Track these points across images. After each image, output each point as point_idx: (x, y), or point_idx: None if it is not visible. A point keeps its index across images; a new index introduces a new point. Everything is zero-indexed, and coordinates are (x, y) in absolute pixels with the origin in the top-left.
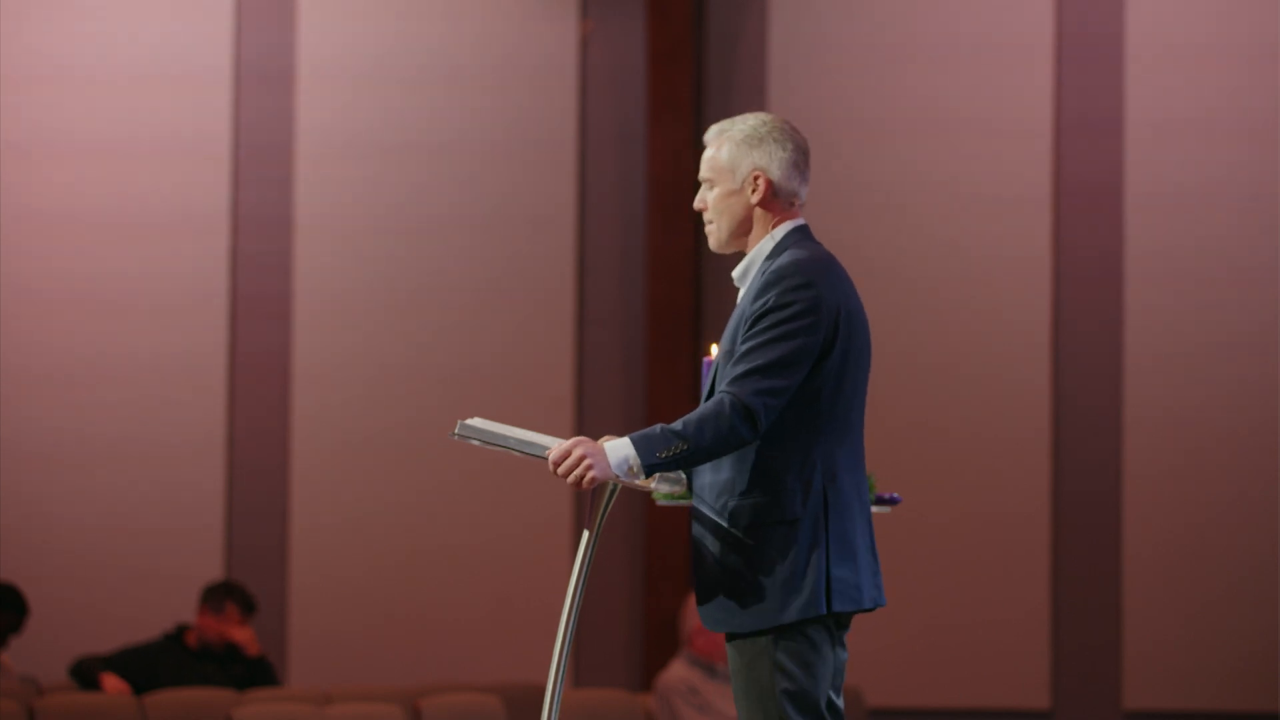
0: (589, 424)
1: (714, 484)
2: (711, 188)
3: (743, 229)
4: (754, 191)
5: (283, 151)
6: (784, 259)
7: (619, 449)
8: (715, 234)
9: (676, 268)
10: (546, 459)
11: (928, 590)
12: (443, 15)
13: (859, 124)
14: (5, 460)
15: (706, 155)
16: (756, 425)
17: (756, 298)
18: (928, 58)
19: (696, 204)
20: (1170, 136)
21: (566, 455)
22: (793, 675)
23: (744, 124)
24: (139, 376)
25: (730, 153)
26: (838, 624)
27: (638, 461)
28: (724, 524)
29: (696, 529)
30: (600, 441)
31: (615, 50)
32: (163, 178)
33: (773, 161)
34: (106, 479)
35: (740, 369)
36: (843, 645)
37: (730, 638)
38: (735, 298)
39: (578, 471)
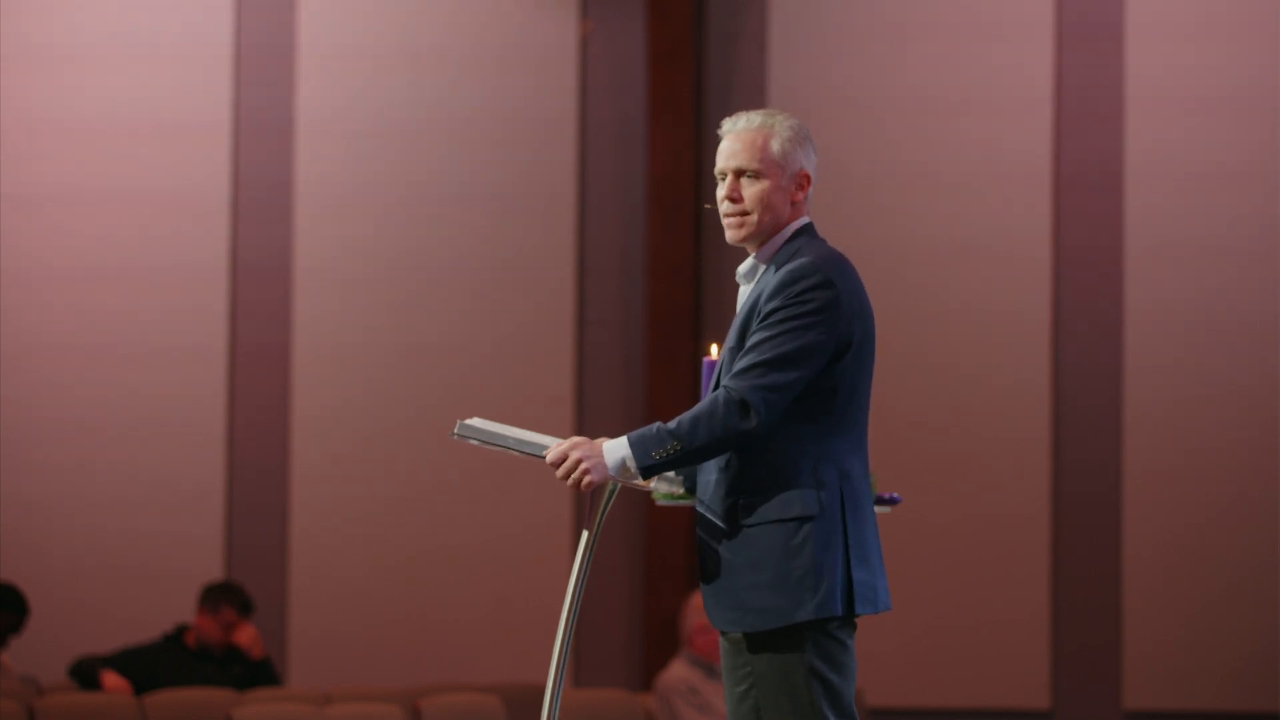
0: (589, 424)
1: (721, 481)
2: (757, 179)
3: (777, 226)
4: (799, 189)
5: (283, 152)
6: (801, 258)
7: (616, 450)
8: (751, 226)
9: (676, 268)
10: (545, 459)
11: (928, 590)
12: (442, 16)
13: (859, 124)
14: (6, 461)
15: (748, 146)
16: (753, 419)
17: (773, 295)
18: (928, 57)
19: (730, 193)
20: (1172, 131)
21: (564, 458)
22: (828, 679)
23: (787, 121)
24: (139, 376)
25: (782, 148)
26: (855, 624)
27: (634, 463)
28: (734, 521)
29: (705, 523)
30: (598, 442)
31: (615, 50)
32: (163, 154)
33: (810, 164)
34: (106, 479)
35: (743, 363)
36: None
37: (755, 646)
38: (735, 297)
39: (575, 475)
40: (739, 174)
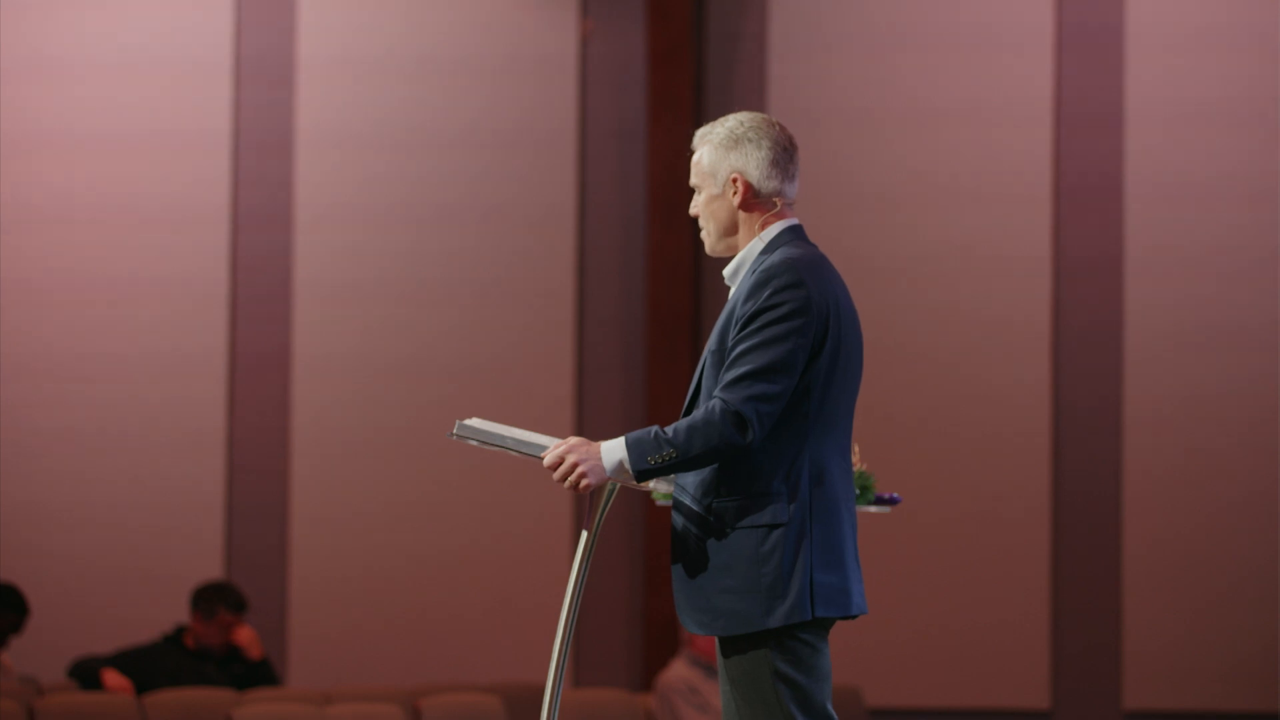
0: (589, 424)
1: (699, 482)
2: (699, 193)
3: (729, 232)
4: (735, 194)
5: (283, 151)
6: (775, 258)
7: (613, 451)
8: (707, 238)
9: (676, 268)
10: (543, 460)
11: (928, 590)
12: (442, 15)
13: (859, 124)
14: (5, 460)
15: (693, 161)
16: (750, 432)
17: (748, 298)
18: (927, 56)
19: (691, 210)
20: (1171, 135)
21: (560, 461)
22: (795, 681)
23: (723, 126)
24: (139, 376)
25: (709, 157)
26: (825, 626)
27: (630, 466)
28: (709, 522)
29: (679, 524)
30: (596, 443)
31: (615, 50)
32: (163, 170)
33: (749, 162)
34: (106, 479)
35: (733, 374)
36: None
37: (725, 649)
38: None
39: (572, 478)
40: (694, 189)
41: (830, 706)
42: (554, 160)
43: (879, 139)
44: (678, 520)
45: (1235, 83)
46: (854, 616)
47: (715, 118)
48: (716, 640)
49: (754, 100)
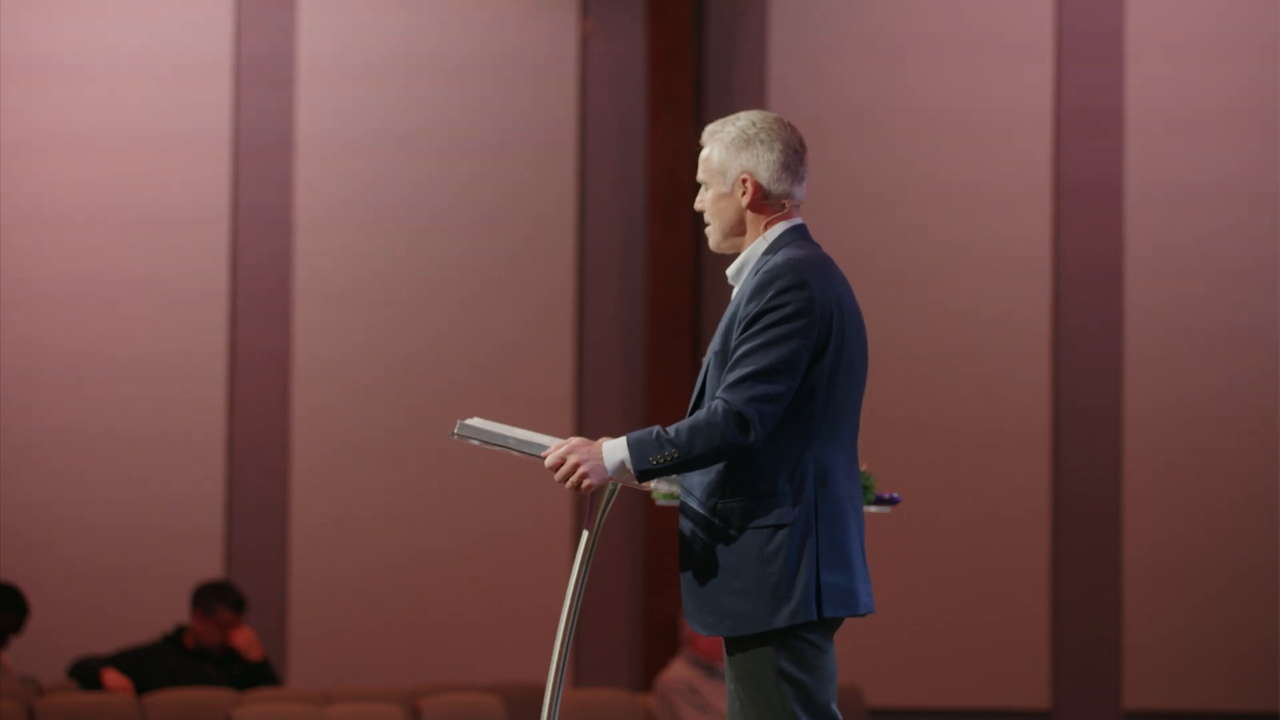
0: (589, 424)
1: (704, 483)
2: (707, 189)
3: (736, 231)
4: (743, 194)
5: (283, 151)
6: (778, 259)
7: (615, 451)
8: (712, 234)
9: (676, 268)
10: (544, 460)
11: (927, 589)
12: (442, 15)
13: (859, 123)
14: (5, 460)
15: (701, 156)
16: (752, 433)
17: (750, 299)
18: (928, 56)
19: (696, 205)
20: (1171, 134)
21: (562, 461)
22: (799, 680)
23: (734, 125)
24: (139, 376)
25: (720, 155)
26: (830, 626)
27: (631, 466)
28: (715, 524)
29: (685, 525)
30: (597, 443)
31: (615, 50)
32: (163, 172)
33: (760, 163)
34: (106, 479)
35: (735, 374)
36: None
37: (731, 649)
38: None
39: (573, 479)
40: (701, 184)
41: (835, 707)
42: (554, 160)
43: (879, 139)
44: (684, 525)
45: (1235, 84)
46: (861, 615)
47: (715, 118)
48: (723, 640)
49: (754, 100)
